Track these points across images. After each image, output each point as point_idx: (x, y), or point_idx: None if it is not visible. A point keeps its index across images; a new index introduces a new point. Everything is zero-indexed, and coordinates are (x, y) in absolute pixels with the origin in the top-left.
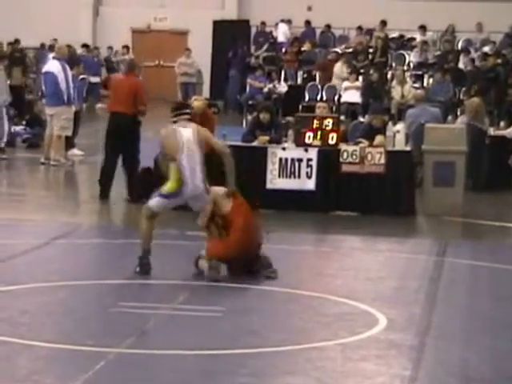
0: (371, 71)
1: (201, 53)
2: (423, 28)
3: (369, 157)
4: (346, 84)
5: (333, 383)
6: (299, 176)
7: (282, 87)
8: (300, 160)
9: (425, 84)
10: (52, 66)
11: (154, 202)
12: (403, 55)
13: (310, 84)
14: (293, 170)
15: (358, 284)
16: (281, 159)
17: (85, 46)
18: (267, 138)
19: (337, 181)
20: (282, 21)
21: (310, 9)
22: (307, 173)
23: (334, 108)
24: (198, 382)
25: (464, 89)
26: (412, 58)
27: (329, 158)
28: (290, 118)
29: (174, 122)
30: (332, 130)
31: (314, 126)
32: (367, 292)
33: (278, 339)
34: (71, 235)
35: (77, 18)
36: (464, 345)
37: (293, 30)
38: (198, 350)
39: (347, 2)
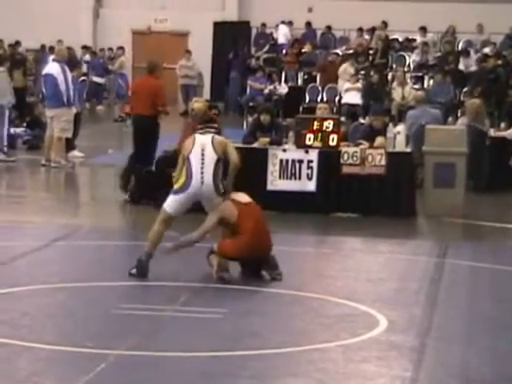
0: (372, 73)
1: (201, 54)
2: (424, 29)
3: (369, 158)
4: (346, 85)
5: None
6: (300, 177)
7: (283, 89)
8: (301, 161)
9: (425, 85)
10: (52, 67)
11: (167, 201)
12: (404, 56)
13: (310, 85)
14: (293, 171)
15: (358, 285)
16: (281, 161)
17: (85, 47)
18: (268, 139)
19: (337, 182)
20: (283, 22)
21: (310, 10)
22: (308, 174)
23: (334, 109)
24: None
25: (465, 90)
26: (412, 59)
27: (329, 160)
28: (290, 120)
29: (200, 132)
30: (332, 132)
31: (315, 127)
32: (368, 293)
33: (279, 341)
34: (71, 237)
35: (77, 19)
36: (465, 346)
37: (293, 32)
38: (199, 352)
39: (348, 3)
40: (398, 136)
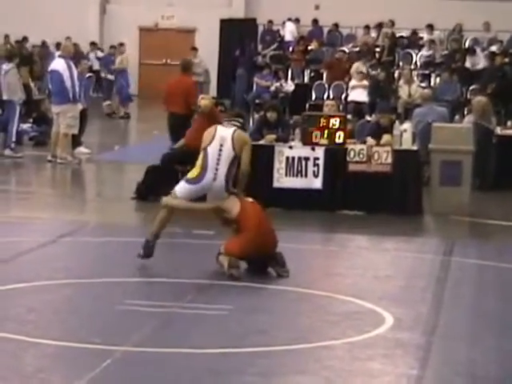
0: (378, 70)
1: (208, 51)
2: (430, 27)
3: (376, 156)
4: (352, 83)
5: (341, 382)
6: (306, 175)
7: (289, 86)
8: (307, 159)
9: (432, 83)
10: (57, 64)
11: (178, 186)
12: (410, 54)
13: (316, 83)
14: (300, 168)
15: (365, 283)
16: (288, 158)
17: (93, 44)
18: (274, 136)
19: (344, 180)
20: (290, 19)
21: (317, 7)
22: (314, 171)
23: (340, 107)
24: (206, 381)
25: (472, 88)
26: (419, 57)
27: (336, 157)
28: (296, 117)
29: (224, 124)
30: (339, 129)
31: (321, 124)
32: (374, 291)
33: (286, 338)
34: (77, 233)
35: (84, 15)
36: (471, 344)
37: (300, 29)
38: (205, 349)
39: (355, 0)
40: (405, 134)
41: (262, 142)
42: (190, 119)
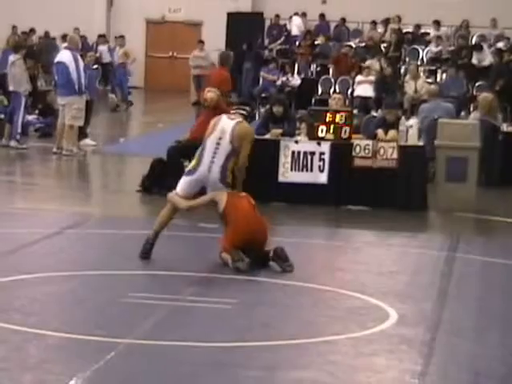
0: (385, 65)
1: (214, 45)
2: (437, 23)
3: (381, 151)
4: (359, 78)
5: (345, 377)
6: (311, 169)
7: (296, 80)
8: (312, 153)
9: (438, 79)
10: (63, 56)
11: (180, 182)
12: (417, 50)
13: (323, 77)
14: (305, 163)
15: (369, 278)
16: (293, 152)
17: (101, 36)
18: (280, 130)
19: (349, 175)
20: (296, 14)
21: (324, 2)
22: (319, 166)
23: (346, 102)
24: (209, 374)
25: (478, 84)
26: (426, 52)
27: (341, 152)
28: (302, 112)
29: (232, 112)
30: (345, 124)
31: (327, 119)
32: (378, 286)
33: (289, 332)
34: (82, 225)
35: (91, 8)
36: (475, 340)
37: (307, 24)
38: (208, 342)
39: None
40: (411, 129)
41: (267, 137)
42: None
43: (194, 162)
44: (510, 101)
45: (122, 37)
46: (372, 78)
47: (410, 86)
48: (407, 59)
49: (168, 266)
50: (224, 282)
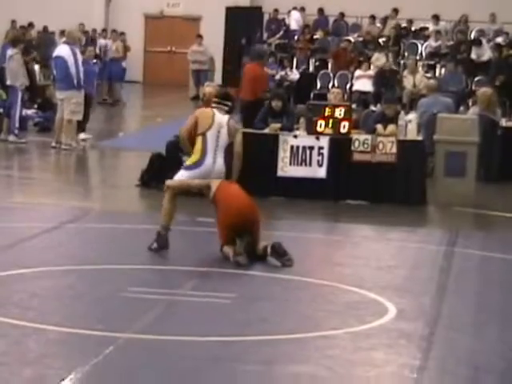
0: (391, 59)
1: (213, 39)
2: (436, 17)
3: (380, 146)
4: (357, 72)
5: (343, 372)
6: (310, 164)
7: (294, 75)
8: (311, 148)
9: (437, 74)
10: (62, 50)
11: (177, 175)
12: (416, 44)
13: (322, 72)
14: (304, 157)
15: (368, 273)
16: (292, 147)
17: (104, 31)
18: (279, 125)
19: (348, 169)
20: (295, 8)
21: None
22: (318, 161)
23: (345, 96)
24: (207, 369)
25: (477, 79)
26: (424, 47)
27: (340, 147)
28: (301, 106)
29: (214, 107)
30: (344, 119)
31: (326, 114)
32: (377, 281)
33: (287, 327)
34: (81, 219)
35: (89, 2)
36: (473, 335)
37: (306, 18)
38: (207, 337)
39: None
40: (410, 124)
41: (266, 131)
42: (259, 106)
43: (195, 157)
44: (509, 96)
45: (114, 31)
46: (371, 72)
47: (408, 81)
48: (406, 54)
49: (167, 260)
50: (223, 277)
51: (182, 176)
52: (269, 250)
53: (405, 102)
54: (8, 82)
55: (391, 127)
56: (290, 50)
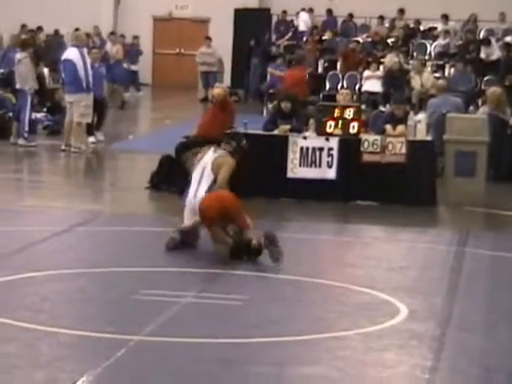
0: (402, 60)
1: (222, 41)
2: (445, 17)
3: (390, 146)
4: (366, 73)
5: (354, 373)
6: (320, 165)
7: None
8: (321, 149)
9: (446, 74)
10: (71, 53)
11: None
12: (424, 44)
13: (330, 73)
14: (314, 158)
15: (379, 274)
16: (302, 148)
17: (112, 34)
18: (288, 126)
19: (357, 170)
20: (303, 9)
21: None
22: (328, 162)
23: (354, 97)
24: (218, 371)
25: (486, 79)
26: (433, 47)
27: (350, 148)
28: (311, 107)
29: (219, 146)
30: (353, 119)
31: (335, 115)
32: (388, 282)
33: (298, 328)
34: (91, 222)
35: (98, 5)
36: (485, 335)
37: (314, 19)
38: (218, 339)
39: None
40: (419, 124)
41: (276, 133)
42: (300, 110)
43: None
44: None
45: (112, 33)
46: (380, 73)
47: (415, 81)
48: (415, 54)
49: (178, 262)
50: (234, 279)
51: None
52: (263, 241)
53: (414, 102)
54: (17, 86)
55: (401, 127)
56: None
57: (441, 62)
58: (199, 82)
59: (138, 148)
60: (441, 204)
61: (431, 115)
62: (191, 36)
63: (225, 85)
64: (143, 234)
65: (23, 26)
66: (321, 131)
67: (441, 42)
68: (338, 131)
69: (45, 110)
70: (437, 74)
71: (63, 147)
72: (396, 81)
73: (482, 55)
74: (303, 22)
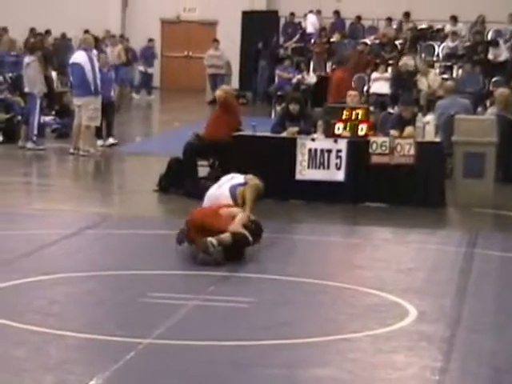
0: (418, 62)
1: (229, 43)
2: (454, 18)
3: (398, 148)
4: (374, 75)
5: (364, 375)
6: (328, 167)
7: (311, 78)
8: (329, 151)
9: (454, 75)
10: (79, 56)
11: None
12: (432, 46)
13: None
14: (322, 160)
15: (388, 275)
16: (310, 150)
17: (121, 36)
18: (296, 128)
19: (366, 172)
20: (311, 11)
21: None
22: (336, 164)
23: (362, 99)
24: (228, 373)
25: (494, 80)
26: (441, 48)
27: (358, 149)
28: (319, 109)
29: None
30: (362, 121)
31: (344, 116)
32: (397, 283)
33: (308, 330)
34: (100, 225)
35: (106, 8)
36: (495, 336)
37: (322, 21)
38: (227, 341)
39: None
40: (427, 126)
41: (284, 135)
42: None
43: None
44: None
45: (113, 36)
46: (388, 74)
47: (422, 83)
48: (423, 55)
49: (186, 265)
50: (242, 281)
51: None
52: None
53: (422, 103)
54: (26, 90)
55: (409, 129)
56: (306, 53)
57: (449, 64)
58: (207, 84)
59: (147, 150)
60: (449, 205)
61: (439, 117)
62: (199, 39)
63: (229, 87)
64: (151, 237)
65: (32, 30)
66: (329, 133)
67: (449, 43)
68: (347, 133)
69: (53, 113)
70: (445, 76)
71: (72, 150)
72: (404, 82)
73: (490, 56)
74: (311, 24)
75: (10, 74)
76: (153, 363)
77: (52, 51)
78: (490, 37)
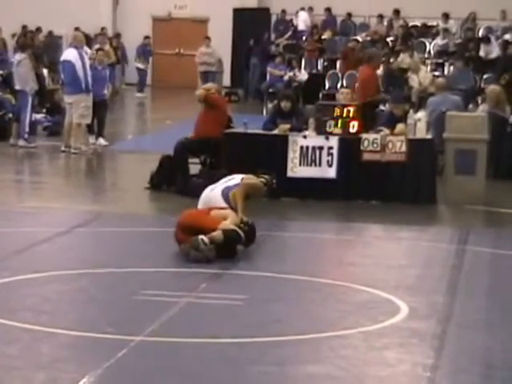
0: (391, 59)
1: (221, 41)
2: (446, 16)
3: (390, 145)
4: None
5: (356, 371)
6: (320, 164)
7: (303, 75)
8: (321, 148)
9: (445, 72)
10: (69, 54)
11: None
12: (424, 43)
13: (330, 72)
14: (314, 158)
15: (379, 272)
16: (302, 147)
17: (117, 35)
18: (288, 126)
19: (358, 169)
20: (303, 9)
21: None
22: (328, 161)
23: (354, 96)
24: (220, 371)
25: (485, 77)
26: (433, 45)
27: (350, 146)
28: (310, 106)
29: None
30: (353, 119)
31: (335, 114)
32: (389, 280)
33: (300, 327)
34: (92, 223)
35: (97, 5)
36: (486, 333)
37: (313, 18)
38: (220, 338)
39: None
40: (419, 123)
41: (275, 132)
42: (372, 109)
43: None
44: None
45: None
46: (379, 72)
47: (413, 80)
48: (415, 52)
49: (179, 262)
50: (235, 278)
51: None
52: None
53: (414, 100)
54: (17, 87)
55: (400, 126)
56: (298, 50)
57: (440, 61)
58: (199, 81)
59: (138, 148)
60: (441, 202)
61: (431, 113)
62: (190, 36)
63: (211, 84)
64: (143, 235)
65: (24, 27)
66: (321, 130)
67: (440, 40)
68: (338, 130)
69: (44, 110)
70: (436, 73)
71: (63, 148)
72: (395, 80)
73: (482, 53)
74: (302, 21)
75: (1, 72)
76: (145, 360)
77: (42, 49)
78: (481, 34)
